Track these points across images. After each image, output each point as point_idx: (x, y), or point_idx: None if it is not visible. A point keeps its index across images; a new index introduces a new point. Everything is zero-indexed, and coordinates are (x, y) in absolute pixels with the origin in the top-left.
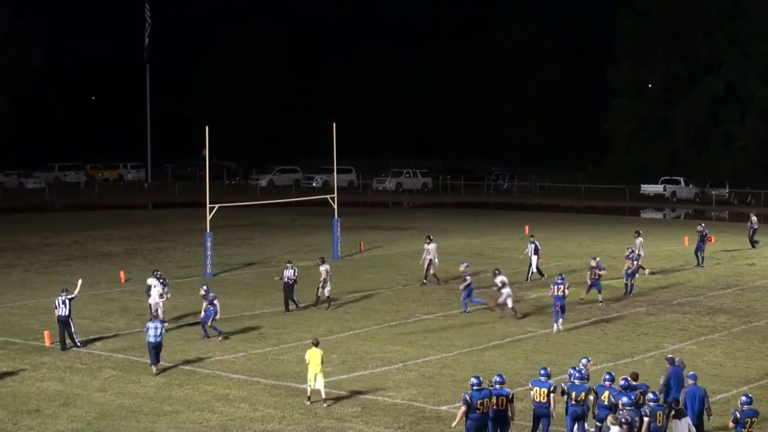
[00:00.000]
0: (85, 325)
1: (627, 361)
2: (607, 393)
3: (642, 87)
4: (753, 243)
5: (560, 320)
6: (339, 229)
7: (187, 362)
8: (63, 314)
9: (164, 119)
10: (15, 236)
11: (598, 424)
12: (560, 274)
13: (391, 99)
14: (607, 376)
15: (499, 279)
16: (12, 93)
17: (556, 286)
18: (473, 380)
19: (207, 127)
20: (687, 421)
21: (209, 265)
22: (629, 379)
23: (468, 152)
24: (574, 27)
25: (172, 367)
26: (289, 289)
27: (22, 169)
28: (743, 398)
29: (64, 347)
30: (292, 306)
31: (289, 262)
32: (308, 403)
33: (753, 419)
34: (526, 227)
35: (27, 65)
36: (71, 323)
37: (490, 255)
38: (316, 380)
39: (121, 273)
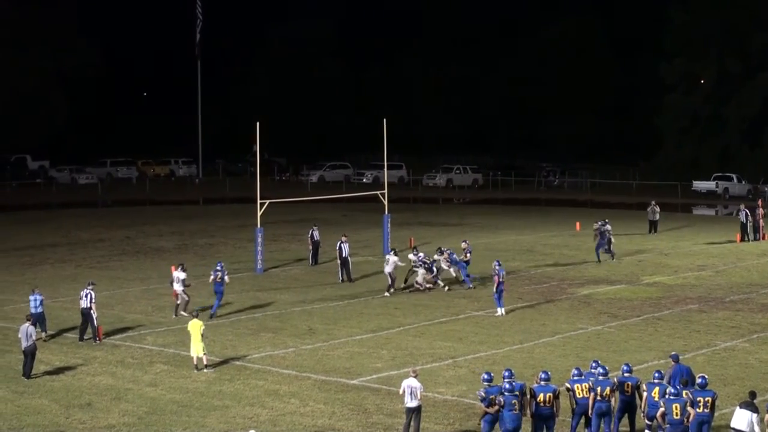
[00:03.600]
0: (137, 319)
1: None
2: (657, 390)
3: (694, 83)
4: None
5: (502, 307)
6: (389, 225)
7: (238, 358)
8: (85, 306)
9: (215, 115)
10: (67, 231)
11: (648, 422)
12: (497, 260)
13: (441, 95)
14: (657, 374)
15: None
16: (65, 90)
17: (497, 275)
18: (485, 376)
19: (258, 123)
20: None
21: (259, 261)
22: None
23: (519, 148)
24: (626, 23)
25: (222, 363)
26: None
27: (74, 165)
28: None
29: (81, 338)
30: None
31: (344, 235)
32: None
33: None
34: (578, 224)
35: (79, 62)
36: (92, 316)
37: (540, 251)
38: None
39: (173, 268)
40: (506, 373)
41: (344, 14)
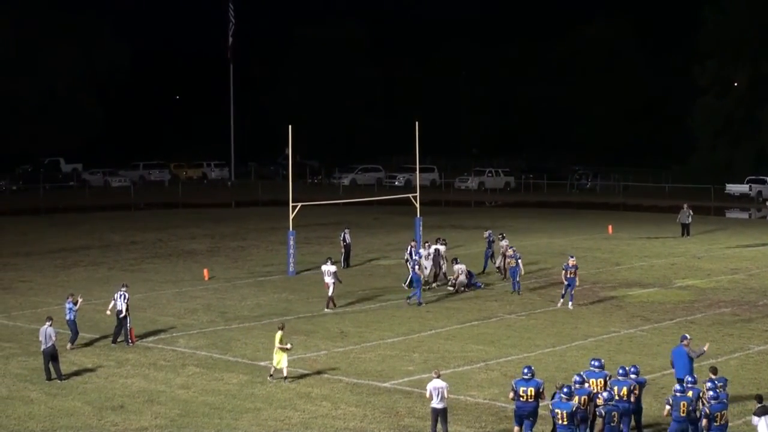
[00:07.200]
0: (169, 322)
1: (711, 362)
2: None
3: (728, 85)
4: None
5: (570, 300)
6: (421, 228)
7: (270, 360)
8: (119, 309)
9: (248, 118)
10: (101, 234)
11: None
12: (571, 255)
13: (473, 98)
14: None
15: (456, 267)
16: (98, 93)
17: (567, 270)
18: (524, 370)
19: (290, 126)
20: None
21: (291, 264)
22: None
23: (551, 151)
24: (659, 24)
25: (254, 365)
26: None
27: (107, 168)
28: (711, 393)
29: (115, 341)
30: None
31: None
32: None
33: (723, 413)
34: (610, 227)
35: (112, 65)
36: (126, 318)
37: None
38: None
39: (205, 271)
40: (525, 370)
41: (375, 15)
